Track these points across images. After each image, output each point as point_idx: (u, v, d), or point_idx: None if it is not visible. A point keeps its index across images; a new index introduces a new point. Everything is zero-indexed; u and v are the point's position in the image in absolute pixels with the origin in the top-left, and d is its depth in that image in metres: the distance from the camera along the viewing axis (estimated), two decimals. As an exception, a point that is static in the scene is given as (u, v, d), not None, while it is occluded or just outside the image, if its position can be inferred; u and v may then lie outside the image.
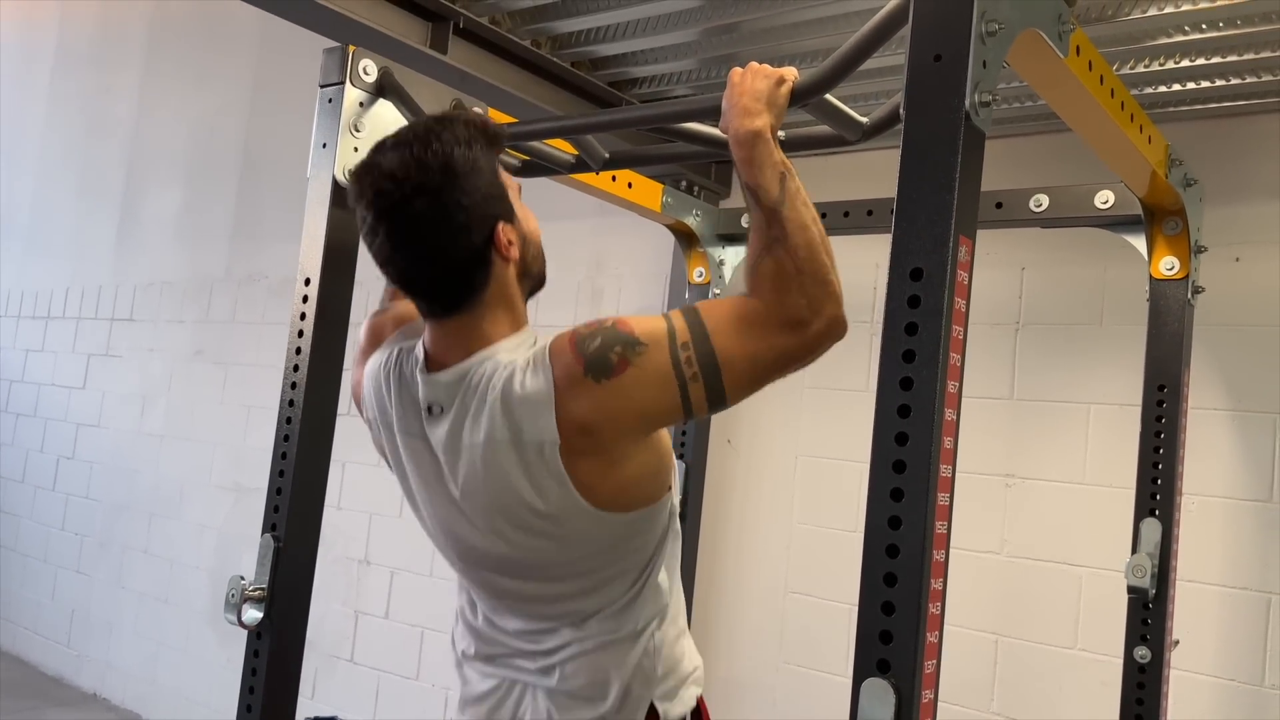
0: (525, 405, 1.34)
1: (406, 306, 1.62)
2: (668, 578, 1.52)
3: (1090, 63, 1.44)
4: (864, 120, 1.44)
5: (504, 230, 1.39)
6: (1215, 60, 2.12)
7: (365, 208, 1.37)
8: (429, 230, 1.35)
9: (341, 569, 3.91)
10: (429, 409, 1.43)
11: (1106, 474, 2.47)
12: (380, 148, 1.38)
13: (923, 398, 1.07)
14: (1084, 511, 2.49)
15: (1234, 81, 2.20)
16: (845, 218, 2.45)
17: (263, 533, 1.72)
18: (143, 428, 4.95)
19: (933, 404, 1.06)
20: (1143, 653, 1.96)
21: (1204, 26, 2.01)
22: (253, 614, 1.68)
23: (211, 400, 4.60)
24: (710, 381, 1.32)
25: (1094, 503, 2.48)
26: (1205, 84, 2.23)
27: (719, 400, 1.33)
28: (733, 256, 2.76)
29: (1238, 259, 2.34)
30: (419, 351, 1.46)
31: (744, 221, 2.73)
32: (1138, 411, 2.41)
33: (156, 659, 4.68)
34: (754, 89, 1.36)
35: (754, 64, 1.38)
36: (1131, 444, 2.38)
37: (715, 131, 1.50)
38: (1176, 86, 2.21)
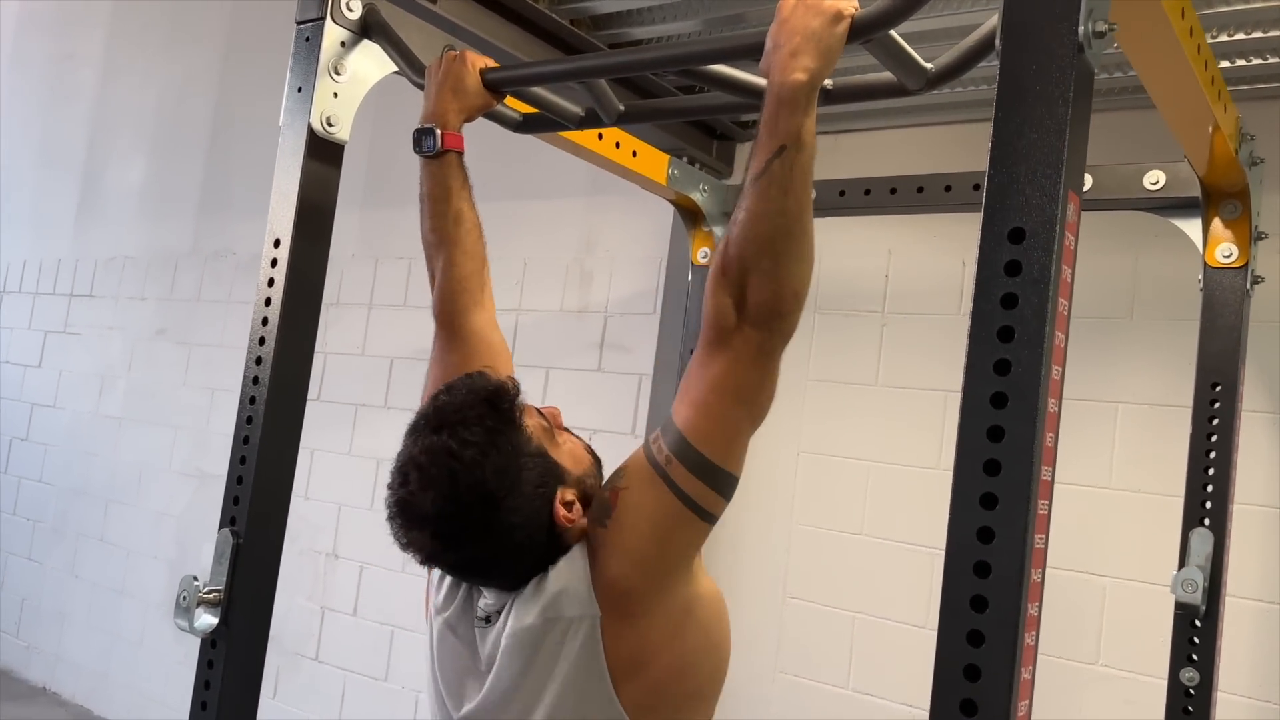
0: (559, 581, 1.26)
1: None
2: None
3: (1183, 10, 1.26)
4: (929, 66, 1.26)
5: (561, 501, 1.30)
6: (1273, 34, 1.95)
7: (418, 559, 1.31)
8: (492, 558, 1.28)
9: (308, 562, 3.70)
10: (487, 619, 1.33)
11: (1135, 478, 2.31)
12: (405, 483, 1.26)
13: (1024, 385, 0.88)
14: (1109, 518, 2.32)
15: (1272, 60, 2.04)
16: (866, 195, 2.27)
17: (220, 527, 1.51)
18: (101, 409, 4.71)
19: (1036, 392, 0.88)
20: (1190, 675, 1.79)
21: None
22: (207, 619, 1.48)
23: (174, 382, 4.38)
24: (684, 453, 1.18)
25: (1120, 508, 2.31)
26: (1257, 61, 2.06)
27: (708, 471, 1.19)
28: (740, 236, 2.57)
29: (1281, 251, 2.18)
30: None
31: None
32: (1169, 411, 2.25)
33: (110, 653, 4.45)
34: (806, 26, 1.16)
35: None
36: (1163, 446, 2.22)
37: (756, 80, 1.30)
38: (1224, 64, 2.04)
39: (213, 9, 4.55)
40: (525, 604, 1.27)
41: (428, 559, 1.30)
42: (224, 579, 1.48)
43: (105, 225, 4.92)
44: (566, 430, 1.40)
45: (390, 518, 1.28)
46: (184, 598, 1.46)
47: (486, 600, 1.34)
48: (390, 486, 1.27)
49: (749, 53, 1.23)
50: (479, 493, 1.23)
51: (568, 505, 1.29)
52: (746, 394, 1.19)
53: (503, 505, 1.24)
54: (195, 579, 1.47)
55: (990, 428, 0.89)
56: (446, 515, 1.23)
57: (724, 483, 1.20)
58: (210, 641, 1.49)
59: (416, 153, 1.52)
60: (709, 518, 1.21)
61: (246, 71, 4.37)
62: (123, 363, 4.65)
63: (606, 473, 1.36)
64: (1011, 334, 0.90)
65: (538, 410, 1.36)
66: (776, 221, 1.15)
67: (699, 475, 1.18)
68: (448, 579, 1.40)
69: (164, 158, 4.71)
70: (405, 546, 1.28)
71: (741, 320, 1.17)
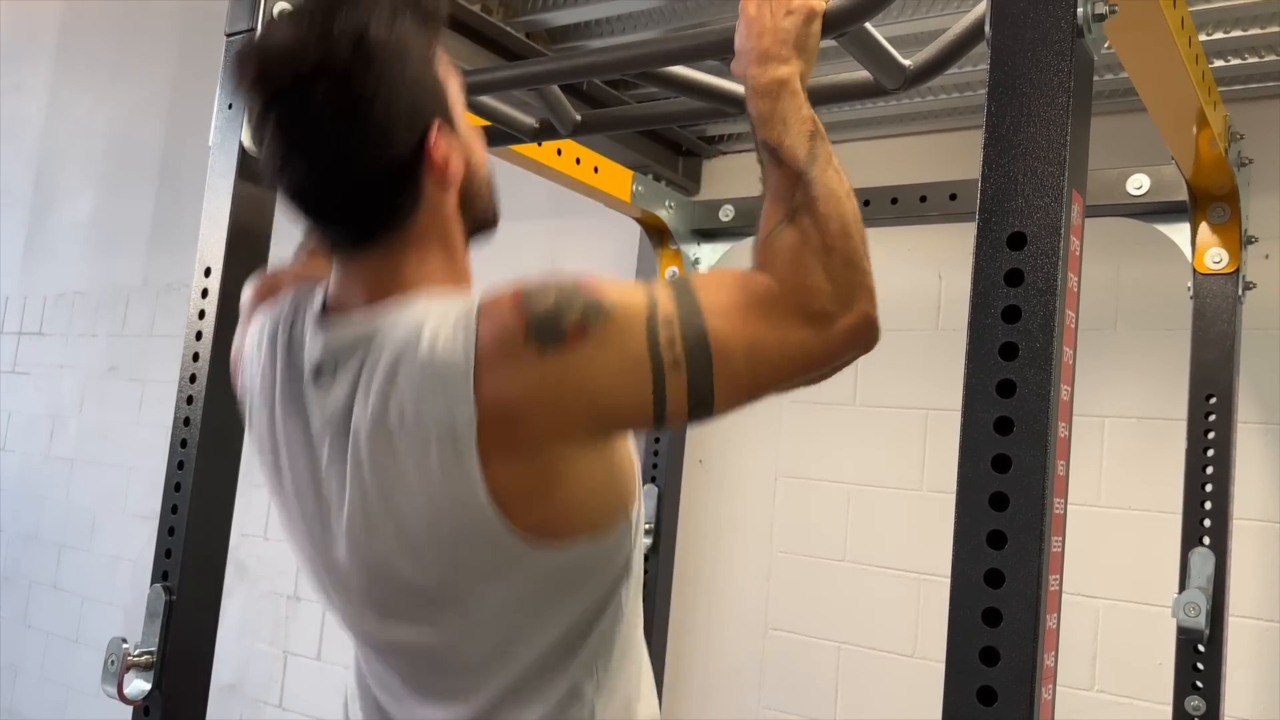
0: (433, 373, 0.96)
1: (317, 266, 1.26)
2: (623, 655, 1.10)
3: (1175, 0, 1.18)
4: (907, 63, 1.16)
5: (439, 136, 1.04)
6: (1256, 31, 1.89)
7: (249, 93, 1.03)
8: (333, 127, 1.00)
9: (269, 605, 3.55)
10: (317, 371, 1.06)
11: (1125, 495, 2.22)
12: (271, 25, 1.05)
13: (1030, 408, 0.79)
14: (1100, 537, 2.23)
15: (1269, 59, 1.97)
16: (866, 206, 2.18)
17: (152, 582, 1.39)
18: (52, 451, 4.55)
19: (1045, 415, 0.78)
20: (1196, 703, 1.70)
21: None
22: (139, 685, 1.35)
23: (127, 421, 4.22)
24: (696, 372, 0.96)
25: (1111, 527, 2.22)
26: (1237, 60, 2.00)
27: (703, 402, 0.97)
28: (709, 254, 2.48)
29: (1267, 255, 2.11)
30: (318, 300, 1.10)
31: (723, 214, 2.45)
32: (1159, 425, 2.17)
33: (66, 705, 4.26)
34: (777, 27, 1.07)
35: None
36: (1154, 460, 2.14)
37: (724, 84, 1.20)
38: (1218, 63, 1.97)
39: (161, 38, 4.44)
40: (381, 375, 1.00)
41: (254, 84, 1.02)
42: (156, 639, 1.36)
43: (54, 260, 4.78)
44: (473, 126, 1.16)
45: (239, 60, 1.02)
46: (112, 662, 1.34)
47: (314, 335, 1.08)
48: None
49: (715, 51, 1.14)
50: (355, 34, 0.98)
51: (446, 151, 1.04)
52: (797, 383, 1.03)
53: (375, 64, 0.99)
54: (124, 640, 1.35)
55: (995, 457, 0.80)
56: (306, 46, 0.98)
57: (706, 417, 1.01)
58: (143, 709, 1.36)
59: None
60: (660, 429, 1.04)
61: (196, 101, 4.22)
62: (74, 402, 4.49)
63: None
64: (1015, 351, 0.80)
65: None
66: (849, 203, 1.03)
67: (693, 401, 0.97)
68: (271, 351, 1.13)
69: (113, 190, 4.57)
70: (244, 88, 1.03)
71: (841, 314, 0.99)
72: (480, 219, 1.13)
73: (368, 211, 1.04)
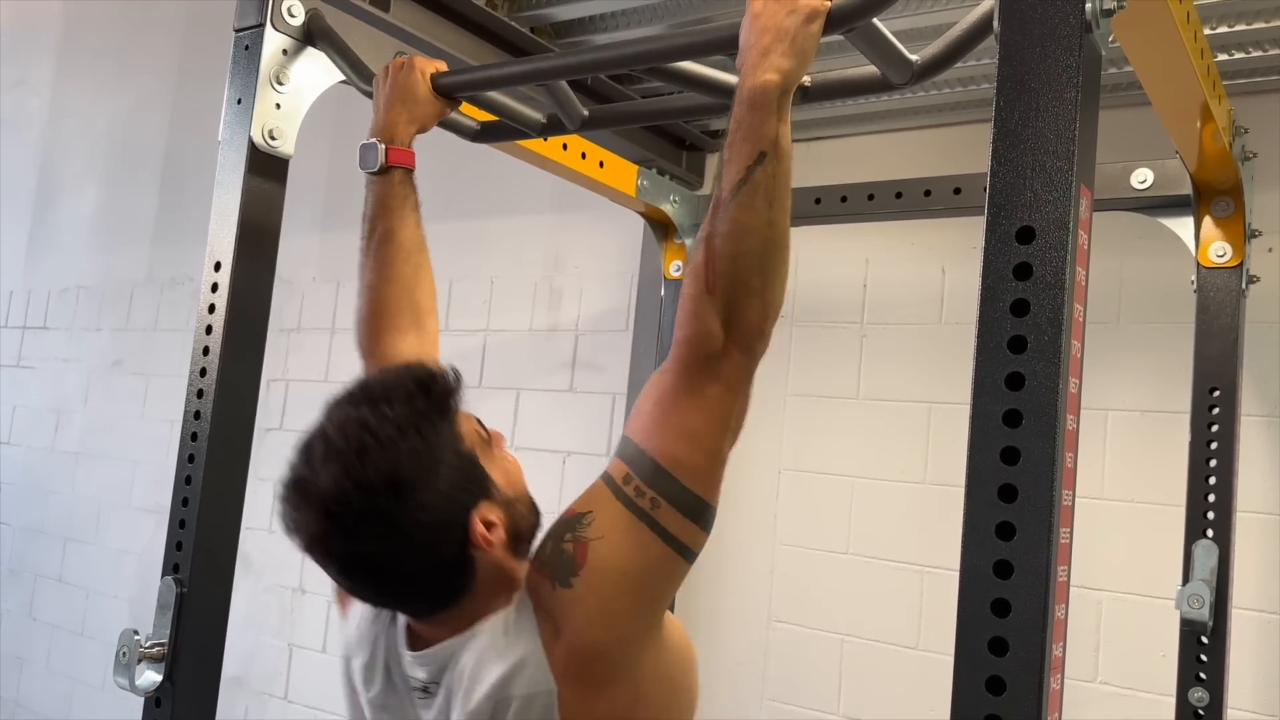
0: (509, 655, 1.11)
1: None
2: None
3: (1180, -9, 1.19)
4: (914, 59, 1.17)
5: (481, 518, 1.14)
6: (1257, 26, 1.89)
7: (301, 545, 1.14)
8: (387, 560, 1.12)
9: (274, 598, 3.57)
10: (424, 690, 1.19)
11: (1127, 488, 2.23)
12: (306, 458, 1.11)
13: (1039, 401, 0.79)
14: (1103, 530, 2.24)
15: (1273, 53, 1.97)
16: (842, 202, 2.19)
17: (163, 575, 1.40)
18: (57, 444, 4.56)
19: (1053, 408, 0.79)
20: (1199, 695, 1.71)
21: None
22: (150, 676, 1.36)
23: (132, 415, 4.23)
24: (672, 497, 1.07)
25: (1114, 520, 2.23)
26: (1241, 55, 2.00)
27: (698, 510, 1.08)
28: (713, 248, 2.48)
29: (1270, 249, 2.12)
30: (401, 621, 1.24)
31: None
32: (1161, 418, 2.18)
33: (71, 697, 4.28)
34: (778, 24, 1.08)
35: None
36: (1156, 453, 2.15)
37: (731, 79, 1.21)
38: (1223, 57, 1.97)
39: (164, 33, 4.44)
40: (472, 678, 1.13)
41: (311, 545, 1.12)
42: (168, 631, 1.37)
43: (58, 255, 4.79)
44: (507, 453, 1.26)
45: (282, 498, 1.12)
46: (124, 654, 1.34)
47: (412, 663, 1.21)
48: (290, 464, 1.12)
49: (721, 47, 1.14)
50: (388, 476, 1.07)
51: (488, 525, 1.14)
52: (736, 423, 1.11)
53: (412, 498, 1.09)
54: (136, 632, 1.36)
55: (1004, 449, 0.80)
56: (344, 495, 1.07)
57: (710, 519, 1.11)
58: (154, 700, 1.37)
59: (361, 169, 1.43)
60: (693, 558, 1.11)
61: (200, 96, 4.25)
62: (78, 396, 4.50)
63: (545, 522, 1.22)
64: (1024, 344, 0.81)
65: (478, 420, 1.22)
66: (765, 235, 1.07)
67: (690, 517, 1.08)
68: (364, 656, 1.27)
69: (117, 185, 4.58)
70: (291, 530, 1.13)
71: (730, 344, 1.08)
72: (528, 533, 1.22)
73: (431, 599, 1.17)
